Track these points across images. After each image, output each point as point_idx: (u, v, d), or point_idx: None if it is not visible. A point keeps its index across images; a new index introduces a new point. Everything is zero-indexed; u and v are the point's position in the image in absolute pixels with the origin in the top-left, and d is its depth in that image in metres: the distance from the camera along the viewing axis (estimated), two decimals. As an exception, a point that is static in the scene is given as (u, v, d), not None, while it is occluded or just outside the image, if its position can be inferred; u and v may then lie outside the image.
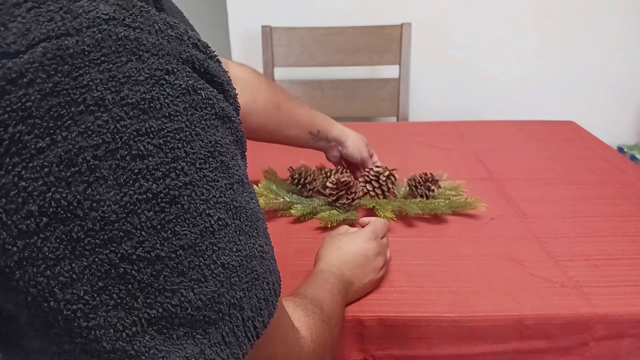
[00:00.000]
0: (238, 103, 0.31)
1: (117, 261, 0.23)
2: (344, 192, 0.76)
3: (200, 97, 0.26)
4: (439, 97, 1.71)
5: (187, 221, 0.25)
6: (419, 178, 0.79)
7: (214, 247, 0.26)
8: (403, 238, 0.72)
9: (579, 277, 0.62)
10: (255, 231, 0.29)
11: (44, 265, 0.22)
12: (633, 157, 1.67)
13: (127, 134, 0.23)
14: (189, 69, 0.26)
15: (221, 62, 0.30)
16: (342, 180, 0.76)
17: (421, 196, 0.78)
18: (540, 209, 0.79)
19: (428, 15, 1.58)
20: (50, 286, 0.22)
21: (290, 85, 1.47)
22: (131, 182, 0.23)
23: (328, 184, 0.77)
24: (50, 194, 0.21)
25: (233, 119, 0.29)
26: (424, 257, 0.67)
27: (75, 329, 0.23)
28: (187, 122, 0.25)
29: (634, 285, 0.60)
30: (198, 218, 0.25)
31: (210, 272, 0.25)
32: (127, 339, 0.23)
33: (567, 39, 1.63)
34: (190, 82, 0.26)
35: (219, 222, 0.26)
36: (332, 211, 0.75)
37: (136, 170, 0.23)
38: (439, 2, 1.58)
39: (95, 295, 0.23)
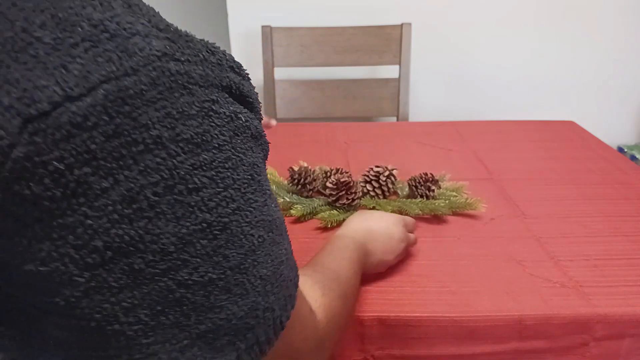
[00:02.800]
0: (261, 115, 0.32)
1: (175, 287, 0.24)
2: (344, 192, 0.76)
3: (240, 122, 0.28)
4: (439, 97, 1.71)
5: (235, 244, 0.26)
6: (419, 178, 0.79)
7: (254, 263, 0.28)
8: (403, 238, 0.72)
9: (579, 277, 0.62)
10: (282, 237, 0.31)
11: (108, 294, 0.23)
12: (633, 157, 1.67)
13: (184, 169, 0.24)
14: (227, 95, 0.27)
15: (251, 79, 0.31)
16: (342, 180, 0.76)
17: (421, 196, 0.78)
18: (540, 209, 0.79)
19: (428, 15, 1.58)
20: (115, 311, 0.23)
21: (290, 85, 1.47)
22: (188, 214, 0.24)
23: (328, 184, 0.77)
24: (114, 230, 0.22)
25: (263, 134, 0.31)
26: (424, 257, 0.67)
27: (135, 346, 0.24)
28: (232, 150, 0.27)
29: (634, 285, 0.60)
30: (243, 239, 0.27)
31: (251, 285, 0.27)
32: (180, 350, 0.25)
33: (567, 39, 1.63)
34: (231, 108, 0.27)
35: (259, 239, 0.28)
36: (332, 211, 0.75)
37: (192, 203, 0.24)
38: (439, 2, 1.58)
39: (154, 317, 0.24)
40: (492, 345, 0.57)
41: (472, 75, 1.68)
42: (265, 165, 0.31)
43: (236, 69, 0.29)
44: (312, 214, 0.77)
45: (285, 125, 1.19)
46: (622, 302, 0.58)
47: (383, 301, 0.59)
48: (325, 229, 0.74)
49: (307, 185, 0.80)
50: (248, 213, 0.27)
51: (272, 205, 0.31)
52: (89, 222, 0.22)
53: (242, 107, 0.28)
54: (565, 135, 1.10)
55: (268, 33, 1.41)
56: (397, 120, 1.47)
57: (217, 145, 0.25)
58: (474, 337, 0.57)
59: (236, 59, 0.29)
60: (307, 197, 0.80)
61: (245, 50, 1.63)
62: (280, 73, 1.47)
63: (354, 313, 0.52)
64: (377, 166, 0.81)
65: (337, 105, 1.49)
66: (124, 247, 0.23)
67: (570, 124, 1.18)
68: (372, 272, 0.61)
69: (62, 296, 0.23)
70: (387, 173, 0.79)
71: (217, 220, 0.25)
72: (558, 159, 0.98)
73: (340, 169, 0.84)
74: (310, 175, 0.80)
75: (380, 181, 0.78)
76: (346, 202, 0.76)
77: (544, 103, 1.72)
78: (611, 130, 1.75)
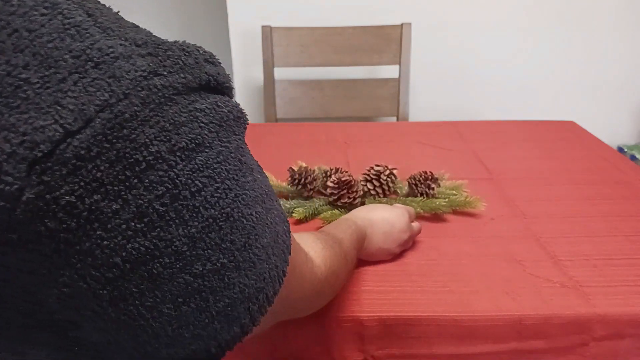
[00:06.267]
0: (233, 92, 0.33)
1: (192, 279, 0.26)
2: (345, 191, 0.76)
3: (222, 111, 0.28)
4: (439, 97, 1.71)
5: (239, 228, 0.28)
6: (418, 176, 0.79)
7: (256, 237, 0.29)
8: (403, 238, 0.72)
9: (578, 277, 0.62)
10: (272, 201, 0.33)
11: (131, 298, 0.25)
12: (633, 157, 1.67)
13: (185, 176, 0.25)
14: (207, 90, 0.28)
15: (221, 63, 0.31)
16: (343, 179, 0.76)
17: (421, 194, 0.78)
18: (540, 209, 0.79)
19: (428, 15, 1.58)
20: (139, 311, 0.25)
21: (290, 85, 1.47)
22: (195, 215, 0.26)
23: (329, 184, 0.77)
24: (130, 244, 0.24)
25: (242, 111, 0.31)
26: (423, 256, 0.67)
27: (162, 335, 0.27)
28: (220, 143, 0.28)
29: (633, 285, 0.61)
30: (245, 221, 0.28)
31: (256, 257, 0.29)
32: (202, 328, 0.28)
33: (567, 39, 1.64)
34: (210, 100, 0.28)
35: (257, 215, 0.30)
36: (334, 211, 0.76)
37: (197, 204, 0.26)
38: (439, 2, 1.58)
39: (177, 308, 0.26)
40: (491, 345, 0.57)
41: (472, 75, 1.68)
42: (244, 141, 0.32)
43: (210, 60, 0.29)
44: (314, 214, 0.77)
45: (285, 125, 1.19)
46: (621, 302, 0.58)
47: (383, 301, 0.59)
48: (325, 228, 0.74)
49: (308, 185, 0.80)
50: (244, 196, 0.29)
51: (260, 177, 0.32)
52: (105, 242, 0.23)
53: (220, 95, 0.29)
54: (565, 135, 1.10)
55: (268, 33, 1.41)
56: (397, 120, 1.47)
57: (207, 145, 0.27)
58: (473, 337, 0.57)
59: (209, 52, 0.30)
60: (307, 197, 0.80)
61: (245, 50, 1.63)
62: (280, 73, 1.47)
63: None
64: (377, 165, 0.81)
65: (337, 105, 1.49)
66: (141, 257, 0.24)
67: (570, 124, 1.18)
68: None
69: (89, 308, 0.24)
70: (387, 172, 0.79)
71: (220, 212, 0.27)
72: (558, 159, 0.98)
73: (339, 169, 0.84)
74: (310, 175, 0.80)
75: (381, 180, 0.78)
76: (347, 201, 0.76)
77: (544, 103, 1.72)
78: (611, 130, 1.75)
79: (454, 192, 0.80)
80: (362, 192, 0.78)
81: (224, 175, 0.27)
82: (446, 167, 0.90)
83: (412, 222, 0.68)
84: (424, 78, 1.66)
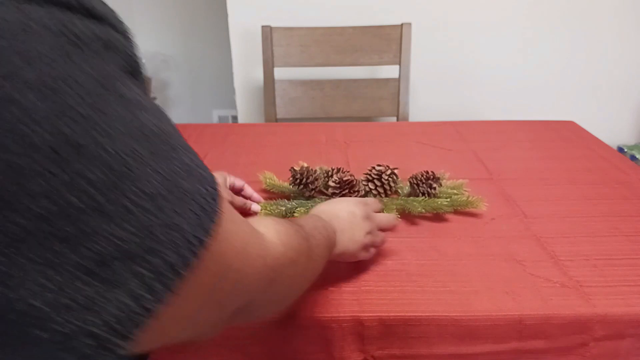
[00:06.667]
0: (131, 40, 0.29)
1: (27, 223, 0.22)
2: (346, 191, 0.76)
3: (79, 32, 0.25)
4: (439, 97, 1.71)
5: (96, 162, 0.23)
6: (420, 176, 0.79)
7: (133, 180, 0.25)
8: (403, 237, 0.72)
9: (579, 277, 0.62)
10: (173, 150, 0.28)
11: None
12: (633, 157, 1.67)
13: (2, 90, 0.21)
14: (61, 10, 0.25)
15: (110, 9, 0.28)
16: (344, 179, 0.76)
17: (423, 194, 0.78)
18: (540, 209, 0.79)
19: (428, 15, 1.58)
20: None
21: (290, 85, 1.47)
22: (22, 140, 0.21)
23: (330, 183, 0.77)
24: None
25: (118, 44, 0.28)
26: (424, 256, 0.67)
27: (18, 307, 0.22)
28: (69, 62, 0.24)
29: (633, 285, 0.61)
30: (107, 156, 0.24)
31: (135, 206, 0.25)
32: (69, 296, 0.23)
33: (567, 39, 1.64)
34: (64, 17, 0.25)
35: (133, 154, 0.25)
36: (332, 211, 0.76)
37: (23, 129, 0.21)
38: (439, 2, 1.58)
39: (21, 268, 0.22)
40: (492, 345, 0.57)
41: (472, 75, 1.68)
42: (129, 78, 0.28)
43: None
44: (313, 213, 0.77)
45: (285, 125, 1.20)
46: (621, 302, 0.58)
47: (383, 301, 0.59)
48: (325, 228, 0.74)
49: (309, 185, 0.80)
50: (108, 128, 0.24)
51: (148, 117, 0.27)
52: None
53: (85, 19, 0.26)
54: (565, 135, 1.10)
55: (268, 33, 1.41)
56: (397, 120, 1.47)
57: (47, 62, 0.23)
58: (473, 337, 0.57)
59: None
60: (308, 197, 0.80)
61: (245, 50, 1.63)
62: (280, 73, 1.47)
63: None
64: (379, 165, 0.81)
65: (337, 105, 1.49)
66: None
67: (570, 124, 1.18)
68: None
69: None
70: (388, 172, 0.79)
71: (65, 140, 0.22)
72: (558, 159, 0.98)
73: (341, 169, 0.84)
74: (311, 175, 0.80)
75: (383, 180, 0.79)
76: (346, 202, 0.76)
77: (544, 103, 1.72)
78: (611, 130, 1.75)
79: (455, 191, 0.80)
80: (363, 192, 0.78)
81: (74, 100, 0.23)
82: (446, 167, 0.90)
83: (376, 212, 0.65)
84: (424, 78, 1.66)
